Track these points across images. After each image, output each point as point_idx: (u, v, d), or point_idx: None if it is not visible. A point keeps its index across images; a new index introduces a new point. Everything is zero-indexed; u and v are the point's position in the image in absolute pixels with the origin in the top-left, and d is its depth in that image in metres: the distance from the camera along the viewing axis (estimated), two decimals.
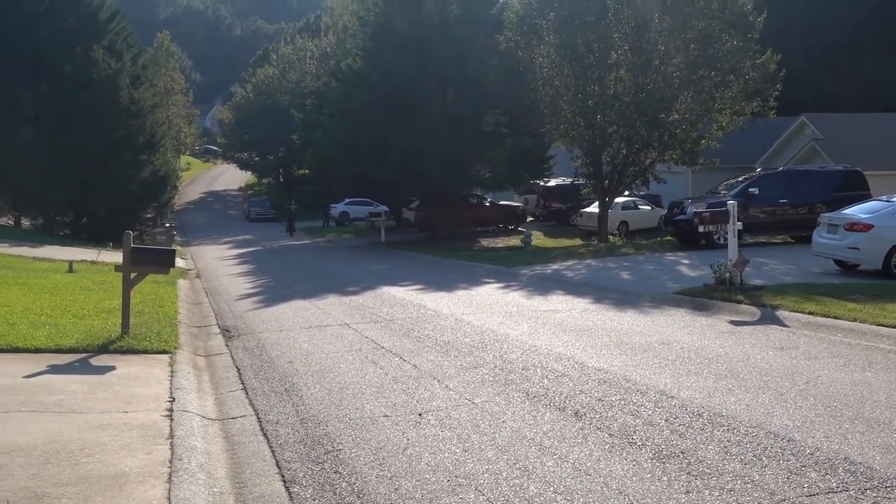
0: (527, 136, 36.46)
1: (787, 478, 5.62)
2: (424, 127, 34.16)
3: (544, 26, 33.52)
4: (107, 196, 41.39)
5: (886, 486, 5.42)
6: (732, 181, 27.98)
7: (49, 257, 26.46)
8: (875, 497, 5.26)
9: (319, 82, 55.45)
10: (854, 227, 17.64)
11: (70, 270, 21.94)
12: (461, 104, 34.82)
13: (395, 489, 5.70)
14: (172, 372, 9.51)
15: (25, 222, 48.18)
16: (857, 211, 18.67)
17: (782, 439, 6.46)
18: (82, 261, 25.28)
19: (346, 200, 56.60)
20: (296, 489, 5.82)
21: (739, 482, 5.58)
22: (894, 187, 24.83)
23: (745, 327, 12.08)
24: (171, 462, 6.13)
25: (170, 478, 5.77)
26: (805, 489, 5.42)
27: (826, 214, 19.35)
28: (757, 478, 5.65)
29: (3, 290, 15.83)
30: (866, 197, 22.69)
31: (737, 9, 32.00)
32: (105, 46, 43.59)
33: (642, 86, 31.91)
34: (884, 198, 19.24)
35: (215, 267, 29.23)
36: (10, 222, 48.11)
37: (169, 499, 5.38)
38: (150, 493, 5.46)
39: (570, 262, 23.90)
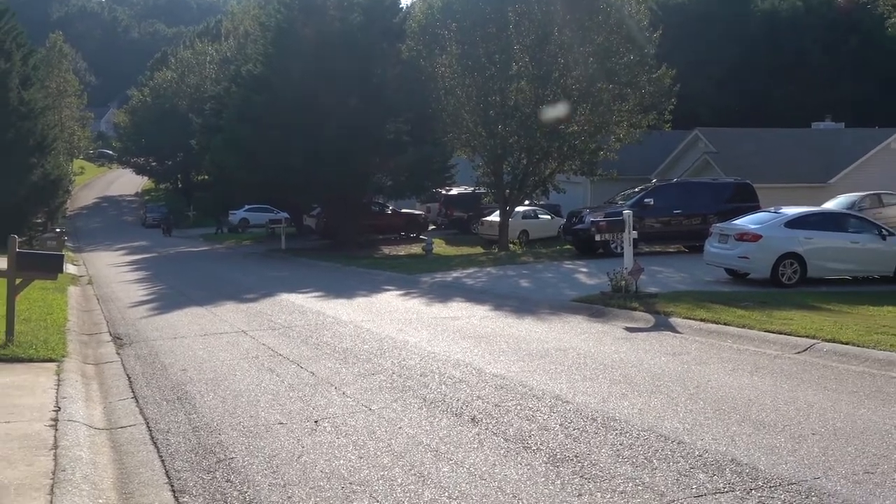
0: (429, 144, 36.51)
1: (677, 479, 5.75)
2: (326, 133, 33.89)
3: (446, 36, 33.66)
4: None
5: (770, 486, 5.59)
6: (629, 192, 28.61)
7: None
8: (760, 497, 5.41)
9: (219, 87, 54.37)
10: (744, 237, 18.22)
11: None
12: (363, 111, 34.67)
13: (288, 497, 5.60)
14: (59, 381, 9.17)
15: None
16: (746, 222, 19.29)
17: (672, 442, 6.60)
18: None
19: (246, 207, 55.78)
20: (185, 499, 5.68)
21: (631, 484, 5.67)
22: (782, 200, 25.74)
23: (640, 334, 12.33)
24: (53, 473, 5.90)
25: (52, 490, 5.56)
26: (693, 490, 5.55)
27: (717, 225, 19.94)
28: (648, 480, 5.75)
29: None
30: (756, 208, 23.46)
31: (634, 24, 32.75)
32: None
33: (542, 97, 32.33)
34: (772, 209, 19.95)
35: (108, 273, 28.41)
36: None
37: None
38: None
39: (470, 270, 24.03)
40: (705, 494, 5.47)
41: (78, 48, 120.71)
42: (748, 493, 5.49)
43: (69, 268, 28.64)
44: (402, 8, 41.23)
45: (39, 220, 47.76)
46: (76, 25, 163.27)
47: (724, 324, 12.40)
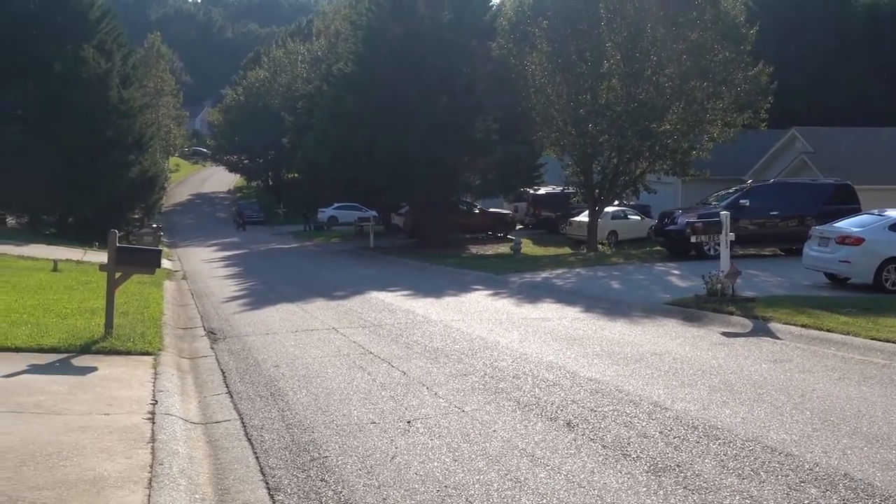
0: (517, 143, 36.30)
1: (787, 493, 5.48)
2: (415, 132, 33.98)
3: (537, 34, 33.45)
4: (94, 196, 40.99)
5: None
6: (723, 192, 27.90)
7: (33, 256, 26.21)
8: None
9: (311, 86, 55.23)
10: (845, 240, 17.56)
11: (55, 269, 21.70)
12: (452, 110, 34.65)
13: (384, 499, 5.53)
14: (156, 374, 9.31)
15: (11, 221, 47.80)
16: (848, 224, 18.61)
17: (780, 454, 6.32)
18: (67, 260, 25.03)
19: (335, 205, 56.37)
20: (280, 497, 5.65)
21: (738, 497, 5.43)
22: (884, 202, 24.76)
23: (738, 339, 11.95)
24: (151, 467, 5.94)
25: (150, 483, 5.59)
26: None
27: (817, 227, 19.27)
28: (756, 493, 5.50)
29: None
30: (856, 211, 22.66)
31: (729, 20, 31.98)
32: (95, 46, 43.34)
33: (634, 95, 31.84)
34: (875, 211, 19.19)
35: (202, 269, 28.99)
36: None
37: None
38: (128, 498, 5.28)
39: (559, 271, 23.76)
40: None
41: (174, 48, 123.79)
42: None
43: (164, 263, 29.34)
44: (493, 5, 41.11)
45: (136, 216, 49.10)
46: (173, 26, 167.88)
47: (827, 330, 11.94)
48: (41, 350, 10.04)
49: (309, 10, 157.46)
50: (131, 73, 48.35)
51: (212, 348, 11.82)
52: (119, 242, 11.26)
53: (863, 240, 17.32)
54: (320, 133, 38.16)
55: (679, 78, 31.38)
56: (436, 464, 6.23)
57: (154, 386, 8.68)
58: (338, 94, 37.66)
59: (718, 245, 15.80)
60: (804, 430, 6.99)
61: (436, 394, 8.53)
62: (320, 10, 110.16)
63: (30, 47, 40.64)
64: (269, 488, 5.83)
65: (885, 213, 18.41)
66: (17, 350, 9.98)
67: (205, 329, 13.82)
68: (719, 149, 34.53)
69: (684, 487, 5.63)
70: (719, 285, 14.87)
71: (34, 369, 9.02)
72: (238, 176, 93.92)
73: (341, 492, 5.69)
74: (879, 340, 11.03)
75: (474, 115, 35.57)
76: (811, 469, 5.96)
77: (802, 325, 12.43)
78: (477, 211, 44.21)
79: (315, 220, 57.42)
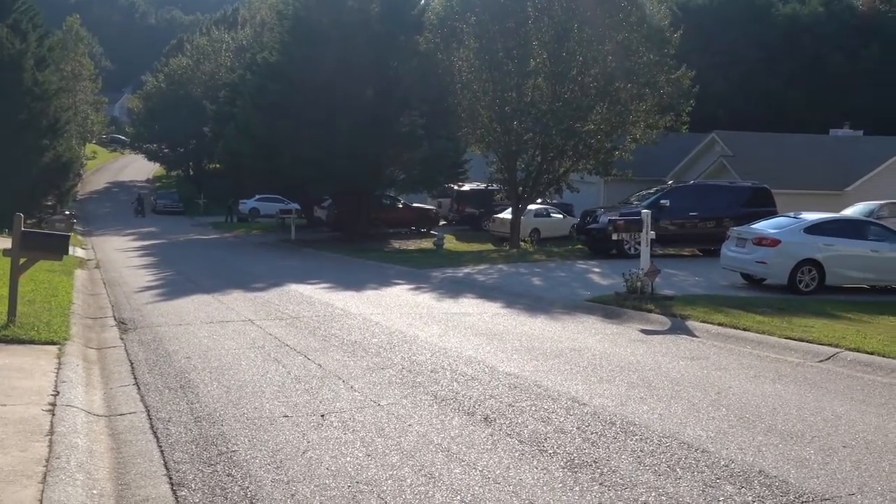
0: (443, 138, 36.19)
1: (703, 490, 5.44)
2: (340, 124, 33.57)
3: (465, 30, 33.40)
4: (6, 181, 39.53)
5: (802, 501, 5.28)
6: (645, 192, 28.24)
7: None
8: None
9: (234, 75, 54.20)
10: (762, 241, 17.86)
11: None
12: (378, 103, 34.40)
13: (292, 495, 5.32)
14: (60, 364, 8.92)
15: None
16: (765, 226, 18.95)
17: (696, 450, 6.29)
18: None
19: (257, 197, 55.54)
20: (183, 493, 5.39)
21: (654, 494, 5.37)
22: (799, 205, 25.32)
23: (656, 336, 12.01)
24: (47, 461, 5.63)
25: (44, 478, 5.28)
26: (721, 502, 5.23)
27: (735, 228, 19.58)
28: (672, 490, 5.45)
29: None
30: (773, 213, 23.11)
31: (654, 23, 32.36)
32: (9, 25, 41.86)
33: (559, 94, 32.00)
34: (791, 214, 19.59)
35: (117, 258, 28.22)
36: None
37: (41, 500, 4.90)
38: (20, 493, 4.98)
39: (482, 267, 23.73)
40: None
41: (95, 33, 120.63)
42: None
43: (77, 251, 28.46)
44: (421, 0, 40.90)
45: (50, 203, 47.60)
46: (94, 10, 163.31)
47: (743, 329, 12.06)
48: None
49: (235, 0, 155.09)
50: (47, 55, 46.83)
51: (121, 339, 11.42)
52: (30, 229, 10.79)
53: (779, 241, 17.64)
54: (242, 123, 37.47)
55: (604, 78, 31.65)
56: (348, 458, 6.04)
57: (57, 376, 8.31)
58: (261, 83, 36.99)
59: (639, 244, 15.90)
60: (720, 426, 6.99)
61: (352, 387, 8.33)
62: None
63: None
64: (172, 483, 5.57)
65: (801, 216, 18.82)
66: None
67: (115, 319, 13.37)
68: (642, 150, 34.96)
69: (600, 484, 5.55)
70: (639, 283, 14.96)
71: None
72: (158, 165, 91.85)
73: (248, 487, 5.46)
74: (794, 339, 11.17)
75: (400, 110, 35.34)
76: (727, 466, 5.94)
77: (719, 324, 12.55)
78: (400, 206, 44.00)
79: (238, 212, 56.56)
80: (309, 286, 18.66)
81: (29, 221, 39.38)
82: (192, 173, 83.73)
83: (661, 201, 25.67)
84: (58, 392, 7.62)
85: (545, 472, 5.79)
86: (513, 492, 5.38)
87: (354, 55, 34.33)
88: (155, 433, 6.75)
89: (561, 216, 38.90)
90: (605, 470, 5.83)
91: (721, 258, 19.27)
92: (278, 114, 34.67)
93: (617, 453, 6.21)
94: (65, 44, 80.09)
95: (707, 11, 64.57)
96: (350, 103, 33.83)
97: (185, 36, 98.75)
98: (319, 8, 35.93)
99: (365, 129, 33.70)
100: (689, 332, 12.29)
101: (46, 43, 47.53)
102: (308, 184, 37.37)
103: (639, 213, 16.17)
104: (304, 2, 36.87)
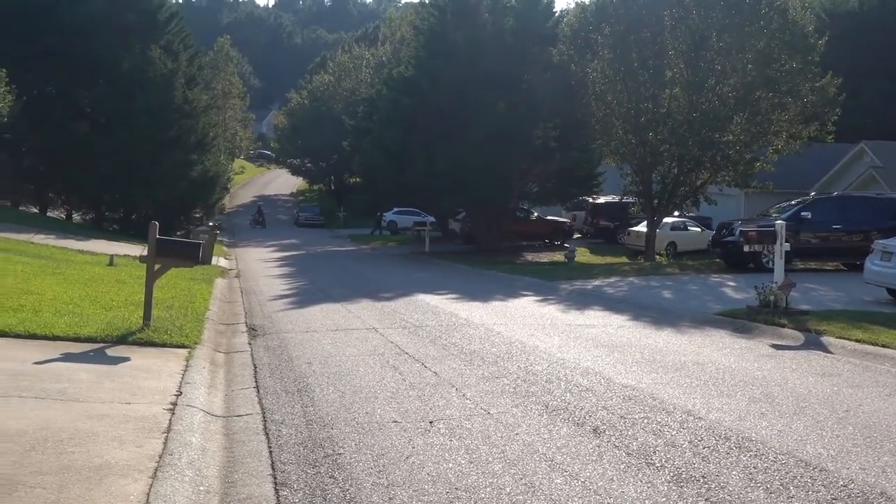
0: (576, 151, 35.98)
1: None
2: (472, 137, 33.81)
3: (599, 41, 33.14)
4: (156, 193, 41.66)
5: None
6: (785, 204, 27.16)
7: (92, 251, 26.64)
8: None
9: (372, 90, 55.51)
10: None
11: (110, 264, 22.03)
12: (511, 116, 34.44)
13: (390, 498, 5.34)
14: (187, 366, 9.27)
15: (77, 217, 48.82)
16: None
17: (814, 468, 5.99)
18: (125, 255, 25.39)
19: (395, 210, 56.50)
20: (285, 492, 5.49)
21: None
22: None
23: (787, 352, 11.52)
24: (160, 457, 5.84)
25: (155, 473, 5.48)
26: None
27: (880, 241, 18.57)
28: None
29: (38, 279, 15.83)
30: None
31: (797, 30, 31.24)
32: (162, 46, 44.13)
33: (696, 104, 31.29)
34: None
35: (256, 268, 29.19)
36: (61, 216, 48.81)
37: (148, 494, 5.08)
38: (129, 487, 5.18)
39: (612, 279, 23.37)
40: None
41: (244, 52, 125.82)
42: None
43: (221, 261, 29.62)
44: (556, 12, 40.79)
45: (198, 215, 49.77)
46: (243, 30, 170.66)
47: (883, 346, 11.43)
48: (78, 339, 10.07)
49: (377, 17, 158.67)
50: (197, 74, 49.11)
51: (249, 344, 11.78)
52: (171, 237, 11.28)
53: None
54: (377, 136, 38.28)
55: (743, 88, 30.76)
56: (450, 465, 6.03)
57: (182, 378, 8.63)
58: (396, 97, 37.72)
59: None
60: (844, 445, 6.63)
61: (464, 395, 8.32)
62: (387, 16, 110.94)
63: (101, 46, 41.43)
64: (276, 483, 5.69)
65: None
66: (55, 338, 10.03)
67: (246, 325, 13.81)
68: (785, 161, 33.76)
69: (706, 500, 5.35)
70: (772, 297, 14.40)
71: (67, 357, 9.03)
72: (301, 179, 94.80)
73: (348, 489, 5.52)
74: None
75: (533, 122, 35.30)
76: (845, 486, 5.62)
77: (857, 340, 11.94)
78: (534, 218, 43.88)
79: (392, 224, 57.15)
80: (436, 296, 18.81)
81: (179, 233, 41.40)
82: (333, 187, 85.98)
83: (803, 213, 24.67)
84: (180, 392, 7.91)
85: (649, 485, 5.62)
86: None
87: (487, 68, 34.55)
88: (267, 434, 6.91)
89: (699, 229, 37.98)
90: (713, 486, 5.61)
91: (864, 272, 18.31)
92: (412, 127, 35.22)
93: (728, 469, 5.97)
94: (216, 63, 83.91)
95: (856, 17, 61.80)
96: (482, 116, 34.02)
97: (327, 54, 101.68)
98: (454, 22, 36.39)
99: (497, 141, 33.82)
100: (824, 348, 11.73)
101: (196, 62, 49.85)
102: (441, 196, 37.77)
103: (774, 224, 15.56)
104: (438, 16, 37.42)
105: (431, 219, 48.28)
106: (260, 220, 65.02)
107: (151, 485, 5.25)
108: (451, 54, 35.55)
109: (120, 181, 41.29)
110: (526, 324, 14.12)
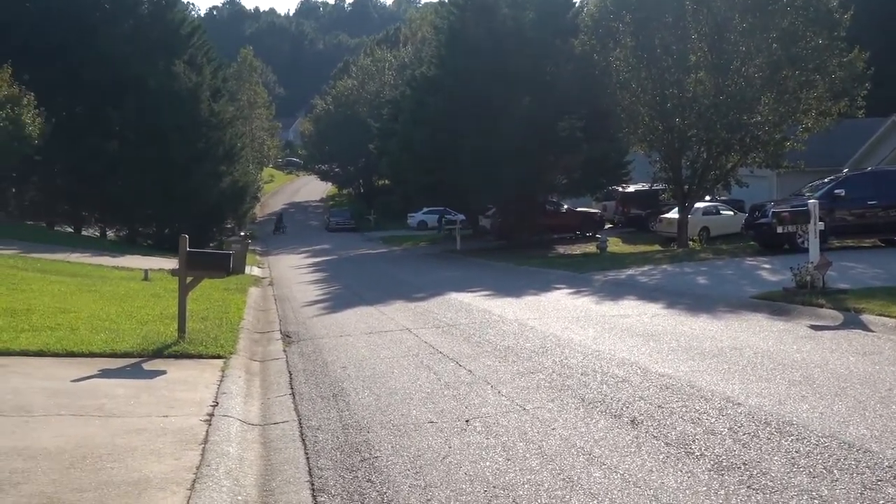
0: (603, 140, 35.75)
1: (861, 493, 5.06)
2: (498, 133, 33.76)
3: (620, 29, 32.92)
4: (188, 207, 42.04)
5: None
6: (817, 183, 26.77)
7: (127, 266, 26.91)
8: None
9: (396, 92, 55.63)
10: None
11: (145, 279, 22.21)
12: (536, 109, 34.31)
13: (427, 500, 5.32)
14: (223, 377, 9.31)
15: (111, 234, 49.39)
16: None
17: (857, 450, 5.87)
18: (160, 270, 25.56)
19: (425, 210, 56.52)
20: (323, 498, 5.49)
21: (806, 497, 5.04)
22: None
23: (826, 332, 11.34)
24: (198, 468, 5.86)
25: (193, 485, 5.50)
26: None
27: None
28: (826, 493, 5.09)
29: (74, 297, 15.99)
30: None
31: (821, 6, 30.79)
32: (186, 60, 44.56)
33: (723, 87, 30.98)
34: None
35: (289, 275, 29.33)
36: (96, 234, 49.40)
37: None
38: (168, 500, 5.20)
39: (645, 268, 23.21)
40: None
41: (267, 62, 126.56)
42: None
43: (254, 270, 29.82)
44: (575, 3, 40.61)
45: (230, 226, 50.16)
46: (265, 40, 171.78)
47: None
48: (114, 355, 10.16)
49: (398, 19, 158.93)
50: (221, 86, 49.52)
51: (284, 351, 11.82)
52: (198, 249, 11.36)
53: None
54: (403, 137, 38.31)
55: (769, 67, 30.39)
56: (488, 463, 5.99)
57: (218, 388, 8.67)
58: (420, 97, 37.76)
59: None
60: (888, 425, 6.50)
61: (499, 392, 8.28)
62: (408, 18, 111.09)
63: (127, 65, 41.94)
64: (313, 489, 5.69)
65: None
66: (92, 355, 10.11)
67: (281, 332, 13.86)
68: (815, 139, 33.31)
69: (748, 487, 5.26)
70: (809, 277, 14.21)
71: (104, 374, 9.11)
72: (330, 184, 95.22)
73: (385, 492, 5.51)
74: None
75: (558, 114, 35.11)
76: (890, 466, 5.50)
77: None
78: (564, 210, 43.69)
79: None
80: (469, 294, 18.78)
81: (211, 244, 41.76)
82: (362, 190, 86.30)
83: (836, 191, 24.30)
84: (217, 403, 7.94)
85: (689, 474, 5.55)
86: (653, 496, 5.18)
87: (510, 63, 34.46)
88: (304, 441, 6.92)
89: (731, 213, 37.60)
90: (755, 472, 5.53)
91: None
92: (437, 126, 35.20)
93: (769, 455, 5.88)
94: (240, 74, 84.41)
95: None
96: (507, 111, 33.94)
97: (350, 58, 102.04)
98: (474, 19, 36.34)
99: (523, 135, 33.72)
100: (864, 327, 11.53)
101: (220, 75, 50.24)
102: (470, 193, 37.74)
103: (807, 203, 15.35)
104: (458, 14, 37.39)
105: (462, 217, 48.22)
106: (280, 227, 65.92)
107: (189, 497, 5.27)
108: (472, 51, 35.49)
109: (151, 196, 41.73)
110: (560, 317, 14.04)
